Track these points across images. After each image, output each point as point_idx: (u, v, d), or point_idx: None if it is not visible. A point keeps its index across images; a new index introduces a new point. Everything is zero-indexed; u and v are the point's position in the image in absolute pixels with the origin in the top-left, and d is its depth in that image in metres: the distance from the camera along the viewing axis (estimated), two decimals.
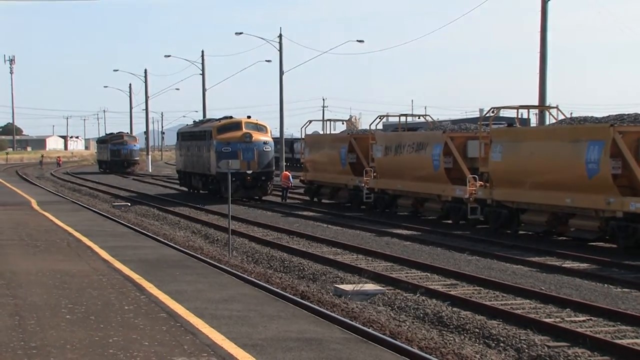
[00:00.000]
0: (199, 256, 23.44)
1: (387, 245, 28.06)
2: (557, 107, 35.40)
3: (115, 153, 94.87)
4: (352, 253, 26.37)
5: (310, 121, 51.64)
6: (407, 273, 22.33)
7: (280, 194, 48.57)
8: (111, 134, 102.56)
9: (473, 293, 19.42)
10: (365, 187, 40.67)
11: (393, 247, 27.59)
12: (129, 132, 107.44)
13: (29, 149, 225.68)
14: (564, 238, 28.90)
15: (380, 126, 46.90)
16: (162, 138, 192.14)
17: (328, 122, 52.30)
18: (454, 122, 50.86)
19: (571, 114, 76.34)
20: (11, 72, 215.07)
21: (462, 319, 16.32)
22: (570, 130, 27.77)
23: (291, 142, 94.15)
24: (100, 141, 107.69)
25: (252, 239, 30.05)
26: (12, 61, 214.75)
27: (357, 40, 68.47)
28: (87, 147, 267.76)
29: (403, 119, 44.89)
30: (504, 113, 43.43)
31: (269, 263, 24.70)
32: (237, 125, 48.09)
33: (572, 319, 16.55)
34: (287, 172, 50.25)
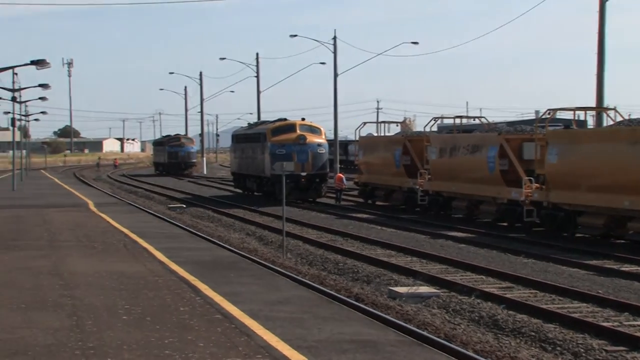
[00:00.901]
0: (254, 258, 23.44)
1: (441, 247, 27.89)
2: (615, 109, 34.91)
3: (172, 155, 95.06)
4: (407, 255, 26.25)
5: (365, 123, 51.67)
6: (462, 276, 22.16)
7: (335, 196, 48.56)
8: (168, 136, 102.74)
9: (529, 296, 19.20)
10: (420, 189, 40.48)
11: (448, 249, 27.42)
12: (185, 134, 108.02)
13: (86, 151, 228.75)
14: (622, 241, 28.36)
15: (434, 128, 46.72)
16: (217, 140, 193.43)
17: (382, 124, 52.21)
18: (510, 124, 50.38)
19: (629, 115, 75.34)
20: (69, 75, 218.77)
21: (517, 322, 16.15)
22: (628, 132, 27.32)
23: (345, 144, 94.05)
24: (157, 143, 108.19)
25: (306, 240, 30.06)
26: (70, 64, 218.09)
27: (412, 42, 68.28)
28: (143, 149, 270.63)
29: (458, 120, 44.63)
30: (561, 115, 42.93)
31: (323, 265, 24.64)
32: (291, 128, 48.29)
33: (631, 323, 16.31)
34: (341, 174, 50.27)
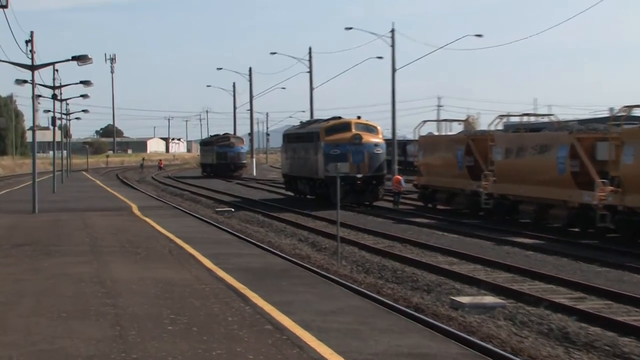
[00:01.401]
0: (306, 265, 23.65)
1: (507, 255, 27.80)
2: None
3: (221, 156, 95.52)
4: (470, 263, 26.22)
5: (425, 121, 51.83)
6: (529, 285, 22.03)
7: (392, 199, 48.56)
8: (216, 135, 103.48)
9: (603, 307, 19.01)
10: (484, 192, 40.26)
11: (514, 257, 27.32)
12: (234, 134, 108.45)
13: (129, 151, 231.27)
14: None
15: (500, 127, 46.40)
16: (267, 140, 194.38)
17: (443, 123, 52.13)
18: (581, 122, 49.85)
19: None
20: (112, 72, 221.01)
21: (590, 335, 16.00)
22: None
23: (404, 144, 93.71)
24: (205, 143, 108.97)
25: (362, 247, 30.13)
26: (113, 60, 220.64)
27: (475, 35, 67.92)
28: (189, 150, 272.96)
29: (525, 118, 44.28)
30: (637, 112, 42.39)
31: (380, 273, 24.64)
32: (346, 126, 48.52)
33: None
34: (399, 176, 50.39)
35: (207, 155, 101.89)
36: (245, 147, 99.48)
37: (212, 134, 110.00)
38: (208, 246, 24.96)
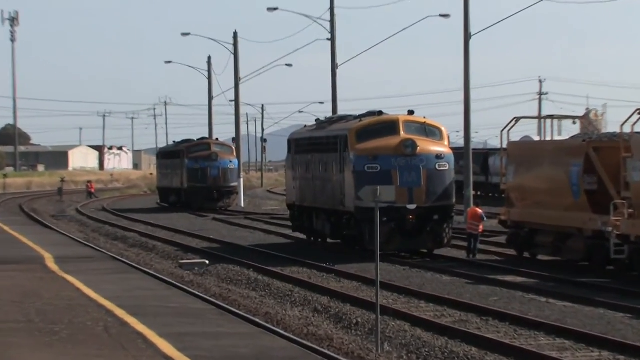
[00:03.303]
0: (327, 352, 23.55)
1: None
2: None
3: (197, 175, 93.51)
4: (594, 349, 26.24)
5: (517, 119, 51.67)
6: None
7: (466, 244, 48.63)
8: (187, 141, 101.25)
9: None
10: (614, 233, 39.92)
11: None
12: (216, 139, 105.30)
13: (40, 167, 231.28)
14: None
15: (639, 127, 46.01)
16: (263, 148, 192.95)
17: (548, 121, 51.53)
18: None
19: None
20: (12, 40, 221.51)
21: None
22: None
23: (484, 155, 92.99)
24: (166, 154, 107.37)
25: (417, 322, 30.28)
26: (13, 21, 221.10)
27: None
28: (136, 165, 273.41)
29: None
30: None
31: None
32: (391, 127, 48.74)
33: None
34: (476, 208, 50.24)
35: (171, 174, 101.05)
36: (235, 161, 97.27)
37: (181, 140, 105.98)
38: (168, 321, 25.37)
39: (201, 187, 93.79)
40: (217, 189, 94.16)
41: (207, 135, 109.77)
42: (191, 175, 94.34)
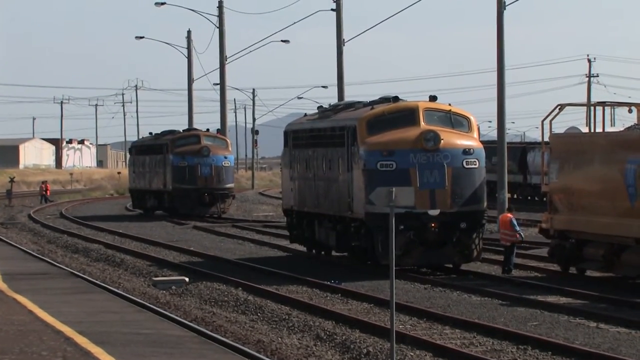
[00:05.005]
0: None
1: None
2: None
3: (183, 174, 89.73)
4: None
5: (562, 107, 49.89)
6: None
7: (502, 258, 47.60)
8: (169, 132, 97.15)
9: None
10: None
11: None
12: (207, 130, 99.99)
13: None
14: None
15: None
16: (255, 142, 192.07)
17: (599, 109, 50.37)
18: None
19: None
20: None
21: None
22: None
23: (521, 150, 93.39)
24: (143, 148, 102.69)
25: (440, 351, 30.00)
26: None
27: None
28: (101, 162, 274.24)
29: None
30: None
31: None
32: (408, 116, 47.39)
33: None
34: (509, 214, 48.77)
35: (149, 173, 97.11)
36: (231, 157, 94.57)
37: (162, 131, 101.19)
38: (139, 350, 25.60)
39: (190, 189, 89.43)
40: (210, 192, 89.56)
41: (187, 126, 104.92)
42: (177, 174, 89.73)
